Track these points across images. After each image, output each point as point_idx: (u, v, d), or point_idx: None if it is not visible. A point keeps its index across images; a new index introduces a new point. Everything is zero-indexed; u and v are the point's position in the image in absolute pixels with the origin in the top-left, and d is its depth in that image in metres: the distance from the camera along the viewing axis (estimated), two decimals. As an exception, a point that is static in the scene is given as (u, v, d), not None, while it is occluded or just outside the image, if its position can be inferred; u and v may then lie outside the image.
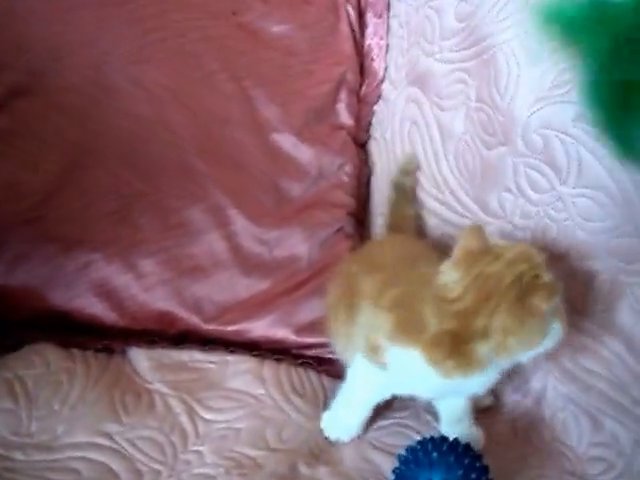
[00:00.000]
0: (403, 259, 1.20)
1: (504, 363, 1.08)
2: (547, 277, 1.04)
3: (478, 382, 1.10)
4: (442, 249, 1.21)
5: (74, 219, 1.36)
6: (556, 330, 1.05)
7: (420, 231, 1.39)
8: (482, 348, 1.04)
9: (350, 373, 1.19)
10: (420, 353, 1.06)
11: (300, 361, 1.34)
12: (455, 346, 1.04)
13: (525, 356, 1.07)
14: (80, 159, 1.39)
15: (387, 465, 1.09)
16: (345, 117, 1.52)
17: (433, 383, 1.09)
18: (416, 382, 1.12)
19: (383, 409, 1.25)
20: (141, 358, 1.30)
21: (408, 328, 1.08)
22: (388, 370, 1.11)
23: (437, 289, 1.07)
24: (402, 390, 1.18)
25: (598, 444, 1.17)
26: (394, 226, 1.39)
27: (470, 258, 1.06)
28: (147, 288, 1.35)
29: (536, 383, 1.18)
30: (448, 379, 1.07)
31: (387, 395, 1.19)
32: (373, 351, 1.11)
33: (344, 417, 1.21)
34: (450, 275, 1.07)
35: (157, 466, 1.09)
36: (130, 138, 1.41)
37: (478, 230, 1.09)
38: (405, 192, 1.39)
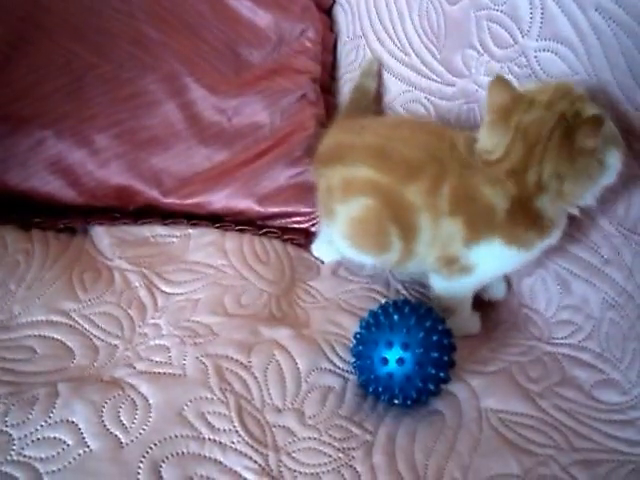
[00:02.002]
0: (422, 146, 1.13)
1: (575, 206, 1.07)
2: (590, 110, 1.00)
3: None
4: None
5: (24, 96, 1.31)
6: (614, 159, 1.02)
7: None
8: (544, 203, 1.03)
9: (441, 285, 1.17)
10: (500, 241, 1.06)
11: (264, 231, 1.32)
12: (526, 215, 1.04)
13: (590, 195, 1.05)
14: (28, 34, 1.33)
15: (354, 327, 1.08)
16: (306, -20, 1.46)
17: (519, 260, 1.11)
18: (502, 266, 1.14)
19: (351, 274, 1.26)
20: (103, 236, 1.27)
21: (479, 222, 1.07)
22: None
23: (480, 157, 1.05)
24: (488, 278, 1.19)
25: (567, 307, 1.17)
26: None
27: (504, 113, 1.03)
28: (103, 163, 1.31)
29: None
30: (533, 250, 1.08)
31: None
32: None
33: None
34: (488, 138, 1.04)
35: (114, 341, 1.08)
36: (79, 9, 1.36)
37: (502, 81, 1.04)
38: (366, 94, 1.36)
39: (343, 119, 1.32)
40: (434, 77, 1.29)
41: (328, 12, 1.50)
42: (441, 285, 1.17)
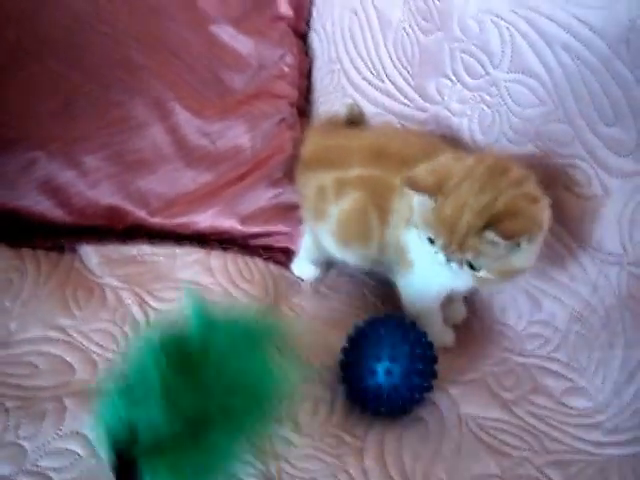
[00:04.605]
0: (419, 147, 1.17)
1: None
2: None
3: None
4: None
5: (15, 118, 1.35)
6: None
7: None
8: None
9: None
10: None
11: (246, 250, 1.37)
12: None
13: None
14: (19, 58, 1.37)
15: (338, 341, 1.13)
16: (284, 8, 1.52)
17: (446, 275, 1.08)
18: (432, 272, 1.10)
19: (332, 291, 1.32)
20: (91, 255, 1.31)
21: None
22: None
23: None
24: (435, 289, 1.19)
25: (536, 322, 1.23)
26: None
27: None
28: (93, 184, 1.36)
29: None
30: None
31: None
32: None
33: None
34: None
35: (111, 355, 1.12)
36: (68, 35, 1.40)
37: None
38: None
39: (323, 125, 1.37)
40: (407, 102, 1.33)
41: (304, 37, 1.55)
42: (403, 288, 1.20)
